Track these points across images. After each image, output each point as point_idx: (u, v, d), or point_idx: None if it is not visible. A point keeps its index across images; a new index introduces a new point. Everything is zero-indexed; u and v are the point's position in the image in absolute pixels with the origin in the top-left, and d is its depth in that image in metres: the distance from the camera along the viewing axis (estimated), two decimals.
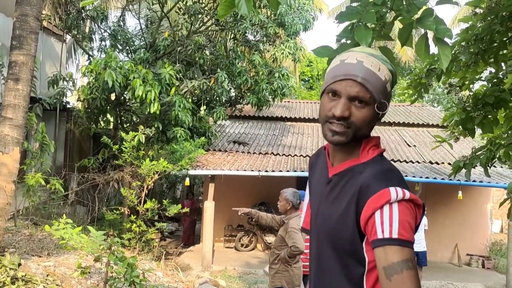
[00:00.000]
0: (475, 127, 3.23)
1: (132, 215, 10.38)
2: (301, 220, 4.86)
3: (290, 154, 12.96)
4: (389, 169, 1.43)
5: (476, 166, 3.40)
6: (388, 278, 1.23)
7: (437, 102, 31.10)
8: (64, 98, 11.15)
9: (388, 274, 1.24)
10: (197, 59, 11.42)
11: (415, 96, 3.47)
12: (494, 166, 12.68)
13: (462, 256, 12.71)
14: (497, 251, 13.70)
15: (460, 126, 3.28)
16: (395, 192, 1.31)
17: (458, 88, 3.22)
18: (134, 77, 9.82)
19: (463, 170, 3.54)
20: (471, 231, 12.87)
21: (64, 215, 5.55)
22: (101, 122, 12.36)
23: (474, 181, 10.65)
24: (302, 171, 11.07)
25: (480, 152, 3.35)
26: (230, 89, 12.95)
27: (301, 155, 12.90)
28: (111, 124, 12.95)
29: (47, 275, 5.59)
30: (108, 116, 11.91)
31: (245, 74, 11.58)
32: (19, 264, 5.46)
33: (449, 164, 12.50)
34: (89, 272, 6.23)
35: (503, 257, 12.73)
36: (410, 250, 1.27)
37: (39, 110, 9.23)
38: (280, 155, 12.91)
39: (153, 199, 10.60)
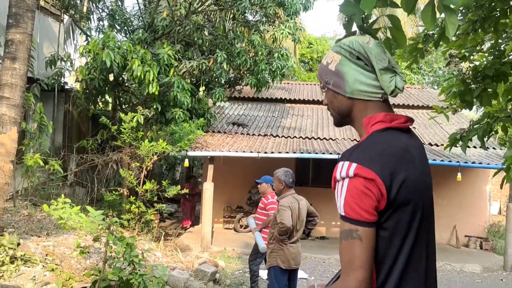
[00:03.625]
0: (473, 100, 3.18)
1: (131, 196, 10.39)
2: (297, 198, 4.77)
3: (289, 136, 12.93)
4: (362, 144, 1.51)
5: (475, 148, 3.35)
6: (340, 242, 1.46)
7: (437, 85, 30.97)
8: (62, 79, 11.04)
9: (340, 239, 1.47)
10: (195, 39, 11.31)
11: (411, 61, 3.40)
12: (494, 148, 12.67)
13: (460, 237, 12.76)
14: (495, 233, 13.74)
15: (458, 98, 3.23)
16: (340, 169, 1.45)
17: (458, 59, 3.16)
18: (132, 58, 9.73)
19: (461, 156, 3.50)
20: (470, 213, 12.90)
21: (62, 196, 5.53)
22: (100, 103, 12.29)
23: (473, 162, 10.64)
24: (302, 152, 11.04)
25: (477, 126, 3.29)
26: (229, 70, 12.87)
27: (301, 137, 12.87)
28: (110, 105, 12.90)
29: (46, 255, 5.59)
30: (107, 97, 11.83)
31: (244, 55, 11.48)
32: (18, 244, 5.46)
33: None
34: (88, 252, 6.25)
35: (501, 239, 12.77)
36: (354, 224, 1.41)
37: (37, 91, 9.16)
38: (279, 137, 12.87)
39: (152, 180, 10.61)
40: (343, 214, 1.43)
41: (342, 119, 1.68)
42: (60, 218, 5.17)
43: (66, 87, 13.34)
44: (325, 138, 12.82)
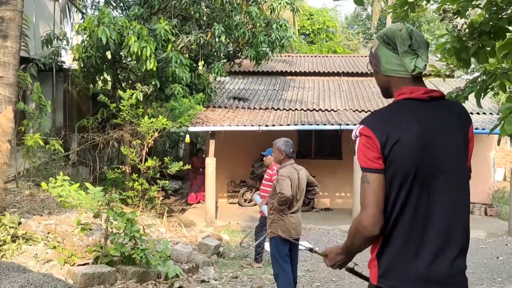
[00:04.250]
0: (471, 58, 3.07)
1: (133, 174, 10.38)
2: (296, 168, 4.70)
3: (291, 109, 12.84)
4: (377, 111, 1.95)
5: (478, 114, 3.25)
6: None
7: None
8: (59, 58, 10.93)
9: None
10: (192, 13, 11.14)
11: (402, 15, 3.29)
12: (498, 114, 12.53)
13: None
14: (499, 199, 13.72)
15: (454, 57, 3.13)
16: (354, 131, 1.87)
17: (452, 14, 3.05)
18: (128, 34, 9.60)
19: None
20: (474, 179, 12.52)
21: (61, 174, 5.51)
22: (99, 82, 12.19)
23: (476, 128, 10.54)
24: (303, 124, 10.97)
25: (473, 84, 3.18)
26: (229, 43, 12.70)
27: (302, 109, 12.78)
28: (109, 83, 12.81)
29: (48, 233, 5.59)
30: (106, 75, 11.72)
31: (242, 27, 11.31)
32: (19, 223, 5.45)
33: None
34: (90, 229, 6.26)
35: (505, 205, 12.76)
36: (364, 171, 1.81)
37: (33, 70, 9.08)
38: (280, 110, 12.79)
39: (155, 157, 10.59)
40: (360, 165, 1.83)
41: (384, 91, 2.02)
42: (60, 196, 5.16)
43: (65, 66, 13.24)
44: (326, 110, 12.72)
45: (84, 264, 4.97)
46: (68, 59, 12.89)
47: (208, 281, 5.75)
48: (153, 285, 5.11)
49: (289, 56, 18.85)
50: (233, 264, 7.15)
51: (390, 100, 1.98)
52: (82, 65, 10.72)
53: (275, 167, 6.22)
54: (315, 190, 5.24)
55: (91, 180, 10.81)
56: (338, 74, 16.05)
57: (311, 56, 19.11)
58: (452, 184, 1.82)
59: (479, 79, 3.12)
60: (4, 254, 4.86)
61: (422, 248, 1.77)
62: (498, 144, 3.64)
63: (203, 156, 13.28)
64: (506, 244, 9.67)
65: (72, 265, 4.94)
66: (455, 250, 1.80)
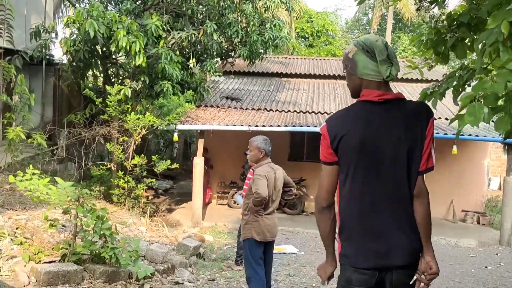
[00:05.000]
0: (449, 52, 2.87)
1: (120, 171, 10.19)
2: (273, 167, 4.45)
3: (283, 110, 12.64)
4: (338, 110, 2.36)
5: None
6: None
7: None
8: (48, 51, 10.72)
9: None
10: (185, 9, 10.96)
11: None
12: (493, 121, 12.33)
13: (458, 212, 12.54)
14: (492, 207, 13.52)
15: (432, 51, 2.93)
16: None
17: (428, 3, 2.85)
18: (118, 28, 9.41)
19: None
20: (467, 187, 12.65)
21: (31, 166, 5.32)
22: (89, 77, 11.99)
23: (469, 135, 10.35)
24: (294, 125, 10.77)
25: (450, 79, 2.98)
26: (222, 42, 12.51)
27: (295, 111, 12.59)
28: (100, 78, 12.62)
29: (17, 228, 5.39)
30: (95, 70, 11.52)
31: (235, 25, 11.11)
32: None
33: (446, 119, 12.16)
34: (63, 226, 6.06)
35: (498, 213, 12.55)
36: (322, 163, 2.29)
37: (18, 62, 8.87)
38: (273, 111, 12.59)
39: (142, 155, 10.39)
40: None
41: (355, 92, 2.28)
42: (28, 190, 4.97)
43: (56, 60, 13.06)
44: (319, 112, 12.53)
45: (50, 262, 4.77)
46: (60, 53, 12.71)
47: (182, 283, 5.54)
48: (122, 286, 4.90)
49: (286, 58, 18.69)
50: (212, 266, 6.93)
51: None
52: (71, 59, 10.56)
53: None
54: (292, 191, 5.01)
55: (79, 177, 10.65)
56: (334, 77, 15.87)
57: (308, 59, 18.93)
58: (388, 174, 2.17)
59: (456, 74, 2.93)
60: None
61: (368, 228, 2.19)
62: (457, 137, 3.50)
63: (208, 156, 12.88)
64: (497, 254, 9.47)
65: (37, 263, 4.73)
66: (392, 231, 2.18)
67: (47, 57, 11.00)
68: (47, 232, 5.59)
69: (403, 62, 18.26)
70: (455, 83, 2.90)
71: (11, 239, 5.02)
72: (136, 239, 5.36)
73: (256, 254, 4.61)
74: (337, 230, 2.31)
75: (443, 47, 2.86)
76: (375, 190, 2.17)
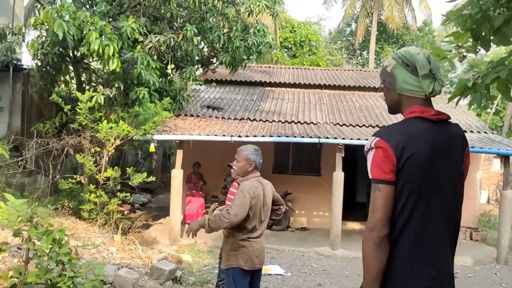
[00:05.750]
0: (491, 36, 2.24)
1: (91, 185, 9.42)
2: (262, 182, 3.68)
3: (268, 120, 12.03)
4: (391, 125, 2.06)
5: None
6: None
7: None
8: (14, 55, 9.92)
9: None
10: (163, 12, 10.29)
11: None
12: (485, 132, 11.89)
13: None
14: (485, 223, 13.01)
15: (470, 34, 2.30)
16: (368, 142, 2.02)
17: None
18: (89, 30, 8.69)
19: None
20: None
21: None
22: (59, 83, 11.21)
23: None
24: (279, 136, 10.12)
25: (500, 67, 2.31)
26: (203, 47, 11.88)
27: (280, 121, 11.98)
28: (72, 85, 11.84)
29: None
30: (66, 76, 10.76)
31: (217, 30, 10.49)
32: None
33: None
34: (19, 249, 5.30)
35: (491, 229, 12.05)
36: (376, 182, 1.95)
37: None
38: (257, 121, 11.96)
39: (116, 167, 9.63)
40: (370, 176, 1.98)
41: (393, 108, 2.16)
42: None
43: (25, 65, 12.24)
44: (306, 122, 11.93)
45: None
46: (29, 58, 11.93)
47: None
48: None
49: (269, 67, 18.12)
50: None
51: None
52: (39, 64, 9.80)
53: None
54: (281, 210, 4.29)
55: (46, 191, 9.85)
56: (319, 86, 15.32)
57: (292, 68, 18.37)
58: (449, 201, 2.02)
59: (506, 62, 2.30)
60: None
61: (425, 256, 1.96)
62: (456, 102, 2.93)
63: (200, 171, 12.05)
64: (495, 273, 8.90)
65: None
66: (446, 259, 2.03)
67: (14, 61, 10.18)
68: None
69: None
70: (506, 72, 2.25)
71: None
72: (100, 264, 4.61)
73: (242, 284, 3.89)
74: None
75: (487, 28, 2.23)
76: (437, 217, 1.99)
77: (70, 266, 4.27)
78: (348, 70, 18.38)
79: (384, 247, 1.92)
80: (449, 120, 2.09)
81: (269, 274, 7.88)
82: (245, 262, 3.84)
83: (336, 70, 18.31)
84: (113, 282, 5.12)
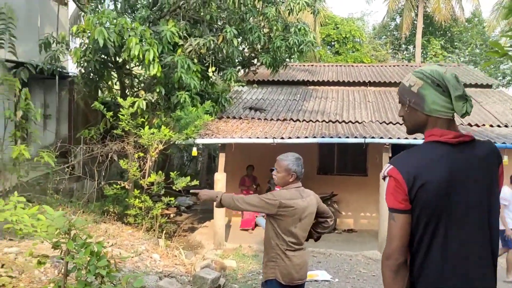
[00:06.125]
0: None
1: (135, 190, 9.44)
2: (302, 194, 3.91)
3: (311, 120, 11.74)
4: (407, 151, 2.04)
5: None
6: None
7: (473, 63, 29.11)
8: (58, 63, 10.08)
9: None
10: (202, 14, 10.20)
11: None
12: None
13: None
14: None
15: None
16: (384, 169, 2.01)
17: None
18: (129, 36, 8.71)
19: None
20: None
21: (15, 194, 4.56)
22: (103, 89, 11.33)
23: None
24: (323, 136, 9.85)
25: None
26: (244, 49, 11.74)
27: (324, 120, 11.67)
28: (116, 91, 11.96)
29: (2, 265, 4.62)
30: (109, 82, 10.87)
31: (257, 30, 10.31)
32: None
33: (491, 126, 11.08)
34: (62, 259, 5.28)
35: None
36: (391, 211, 1.96)
37: (23, 75, 8.23)
38: (300, 121, 11.70)
39: (160, 172, 9.63)
40: (387, 205, 1.98)
41: (416, 129, 2.09)
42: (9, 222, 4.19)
43: (70, 73, 12.48)
44: (350, 121, 11.58)
45: None
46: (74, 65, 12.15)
47: None
48: None
49: (312, 65, 17.82)
50: None
51: None
52: (83, 71, 9.93)
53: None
54: (328, 223, 3.97)
55: (93, 196, 9.96)
56: (364, 84, 14.91)
57: (336, 65, 17.99)
58: (474, 224, 1.94)
59: None
60: None
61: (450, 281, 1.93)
62: None
63: (253, 174, 11.94)
64: None
65: None
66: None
67: (59, 69, 10.36)
68: (39, 269, 4.80)
69: (440, 65, 17.24)
70: None
71: None
72: (140, 276, 4.51)
73: None
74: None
75: None
76: (461, 242, 1.94)
77: (109, 278, 4.20)
78: (394, 66, 17.82)
79: (402, 273, 1.94)
80: (475, 139, 2.01)
81: (315, 280, 7.64)
82: (283, 276, 3.62)
83: (381, 66, 17.80)
84: None
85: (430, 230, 1.90)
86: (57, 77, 11.48)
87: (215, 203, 3.79)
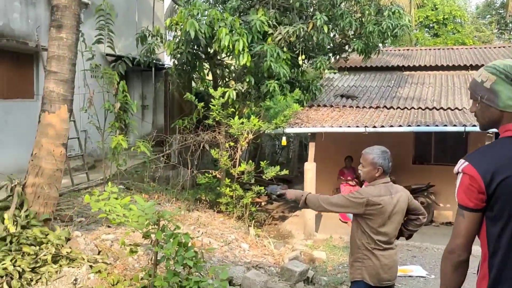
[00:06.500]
0: None
1: (227, 179, 9.59)
2: (391, 190, 3.58)
3: (406, 107, 11.20)
4: (483, 147, 2.05)
5: None
6: None
7: None
8: (154, 55, 10.46)
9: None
10: (292, 2, 10.06)
11: None
12: None
13: None
14: None
15: None
16: (457, 165, 1.95)
17: None
18: (220, 26, 8.80)
19: None
20: None
21: (109, 184, 4.76)
22: (195, 80, 11.59)
23: None
24: (419, 125, 9.36)
25: None
26: (334, 35, 11.45)
27: (420, 108, 11.08)
28: (208, 82, 12.21)
29: (99, 252, 4.86)
30: (200, 73, 11.09)
31: (348, 16, 9.98)
32: (68, 239, 4.78)
33: None
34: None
35: None
36: (461, 208, 1.94)
37: (121, 68, 8.60)
38: (394, 109, 11.21)
39: (249, 161, 9.71)
40: (457, 200, 1.97)
41: (489, 125, 2.06)
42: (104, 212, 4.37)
43: (166, 65, 12.93)
44: (449, 108, 10.89)
45: None
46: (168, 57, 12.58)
47: None
48: None
49: (407, 49, 17.03)
50: None
51: None
52: (176, 63, 10.21)
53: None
54: (420, 221, 3.70)
55: (188, 184, 10.27)
56: (465, 67, 13.97)
57: (434, 49, 17.03)
58: None
59: None
60: (41, 278, 4.18)
61: None
62: None
63: (352, 166, 11.19)
64: None
65: None
66: None
67: (155, 61, 10.75)
68: (133, 256, 4.99)
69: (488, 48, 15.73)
70: None
71: (90, 266, 4.47)
72: (226, 267, 4.52)
73: None
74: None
75: None
76: None
77: (196, 269, 4.26)
78: (500, 47, 16.51)
79: (463, 270, 1.98)
80: None
81: (410, 276, 7.32)
82: (371, 276, 3.44)
83: (485, 48, 16.56)
84: (242, 284, 5.05)
85: (509, 231, 1.87)
86: (153, 69, 11.94)
87: (299, 204, 3.69)
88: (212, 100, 9.22)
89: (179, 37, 9.59)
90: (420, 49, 17.28)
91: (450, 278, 1.99)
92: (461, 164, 1.93)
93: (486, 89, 1.99)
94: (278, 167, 9.61)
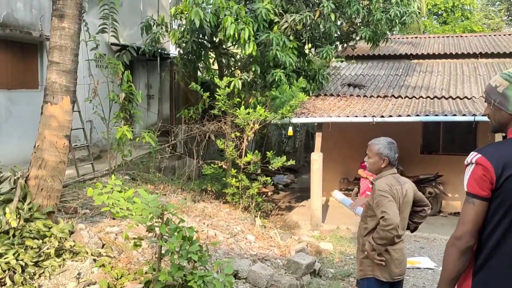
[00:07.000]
0: None
1: (232, 169, 9.52)
2: (399, 180, 3.49)
3: (414, 96, 11.06)
4: (494, 143, 2.19)
5: None
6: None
7: None
8: (158, 45, 10.35)
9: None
10: None
11: None
12: None
13: None
14: None
15: None
16: (469, 156, 2.05)
17: None
18: (225, 15, 8.68)
19: None
20: None
21: (113, 177, 4.69)
22: (201, 70, 11.47)
23: None
24: (427, 114, 9.22)
25: None
26: (342, 23, 11.27)
27: (428, 97, 10.94)
28: (214, 71, 12.09)
29: (103, 245, 4.80)
30: (206, 62, 10.97)
31: (355, 4, 9.80)
32: (71, 232, 4.73)
33: None
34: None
35: None
36: (471, 197, 2.02)
37: (125, 58, 8.50)
38: (402, 98, 11.07)
39: (255, 152, 9.62)
40: (466, 190, 2.06)
41: (499, 128, 2.18)
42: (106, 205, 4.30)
43: (171, 54, 12.81)
44: (458, 97, 10.75)
45: None
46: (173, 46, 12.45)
47: None
48: None
49: (415, 37, 16.80)
50: (330, 286, 5.87)
51: None
52: (181, 52, 10.10)
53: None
54: (425, 212, 3.61)
55: (194, 174, 10.21)
56: (474, 55, 13.78)
57: (442, 37, 16.79)
58: None
59: None
60: (44, 272, 4.12)
61: None
62: None
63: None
64: None
65: None
66: None
67: (160, 51, 10.64)
68: (137, 249, 4.93)
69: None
70: None
71: (94, 259, 4.42)
72: (230, 261, 4.46)
73: None
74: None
75: None
76: None
77: (201, 263, 4.20)
78: (509, 35, 16.26)
79: (467, 257, 2.04)
80: None
81: (417, 268, 7.23)
82: (382, 272, 3.36)
83: (494, 35, 16.30)
84: (248, 277, 4.99)
85: (506, 222, 1.98)
86: (158, 58, 11.83)
87: (376, 252, 3.36)
88: (217, 89, 9.11)
89: (184, 26, 9.47)
90: (429, 37, 17.05)
91: (454, 264, 2.04)
92: (474, 155, 2.03)
93: (498, 94, 2.12)
94: (284, 157, 9.53)
